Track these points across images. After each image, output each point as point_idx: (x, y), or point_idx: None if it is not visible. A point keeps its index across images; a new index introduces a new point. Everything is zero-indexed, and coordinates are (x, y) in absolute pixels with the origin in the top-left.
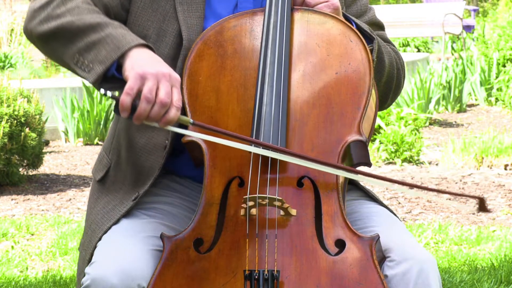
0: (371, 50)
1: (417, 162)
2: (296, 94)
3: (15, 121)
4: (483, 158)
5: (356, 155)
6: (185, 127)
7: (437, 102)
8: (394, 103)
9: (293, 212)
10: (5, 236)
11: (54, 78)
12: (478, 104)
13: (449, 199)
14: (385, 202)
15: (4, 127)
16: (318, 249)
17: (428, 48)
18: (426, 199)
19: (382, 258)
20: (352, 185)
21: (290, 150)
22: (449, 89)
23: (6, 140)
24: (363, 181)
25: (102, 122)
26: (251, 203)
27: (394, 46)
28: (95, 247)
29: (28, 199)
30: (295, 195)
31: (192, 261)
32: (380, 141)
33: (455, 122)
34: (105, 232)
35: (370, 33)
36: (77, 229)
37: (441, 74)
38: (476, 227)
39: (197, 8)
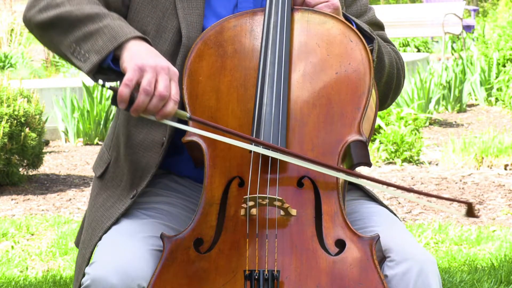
0: (371, 50)
1: (417, 162)
2: (296, 94)
3: (15, 121)
4: (483, 158)
5: (356, 155)
6: (184, 122)
7: (437, 102)
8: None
9: (293, 212)
10: (5, 236)
11: (54, 78)
12: (478, 104)
13: (436, 203)
14: (385, 202)
15: (4, 127)
16: (318, 249)
17: (428, 48)
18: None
19: (382, 258)
20: (352, 185)
21: (290, 151)
22: (449, 89)
23: (6, 140)
24: (363, 184)
25: (102, 122)
26: (251, 203)
27: (394, 46)
28: (95, 245)
29: (28, 199)
30: (295, 195)
31: (192, 261)
32: (380, 141)
33: (455, 122)
34: (105, 231)
35: (370, 33)
36: (77, 229)
37: (441, 74)
38: (476, 227)
39: (197, 6)
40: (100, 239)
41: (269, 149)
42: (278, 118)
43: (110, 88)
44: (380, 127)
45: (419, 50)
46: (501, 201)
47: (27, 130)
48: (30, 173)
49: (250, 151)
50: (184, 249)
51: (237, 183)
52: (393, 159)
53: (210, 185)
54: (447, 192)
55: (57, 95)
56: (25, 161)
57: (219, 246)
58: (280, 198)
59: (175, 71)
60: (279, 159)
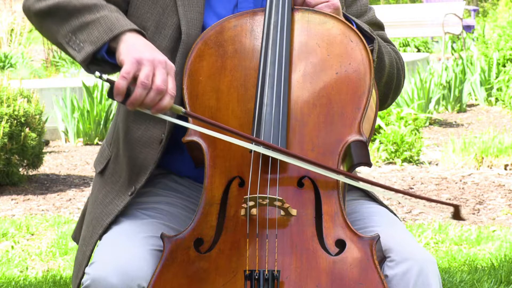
0: (372, 50)
1: (417, 162)
2: (296, 94)
3: (15, 121)
4: (483, 158)
5: (356, 155)
6: (184, 119)
7: (437, 102)
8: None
9: (294, 212)
10: (5, 236)
11: (54, 78)
12: (478, 104)
13: (425, 205)
14: (385, 202)
15: (4, 127)
16: (319, 249)
17: (428, 48)
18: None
19: (382, 258)
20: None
21: (291, 152)
22: (449, 89)
23: (6, 140)
24: (363, 187)
25: (102, 122)
26: (251, 203)
27: (394, 46)
28: (96, 243)
29: (28, 199)
30: (296, 195)
31: (192, 261)
32: (380, 141)
33: (455, 122)
34: (105, 229)
35: (370, 33)
36: None
37: (441, 74)
38: (476, 227)
39: (197, 4)
40: (99, 236)
41: (269, 149)
42: (278, 118)
43: (107, 80)
44: (380, 127)
45: (419, 50)
46: (501, 201)
47: (27, 130)
48: (30, 173)
49: (251, 151)
50: (184, 249)
51: (237, 183)
52: (393, 159)
53: (210, 185)
54: (447, 192)
55: (57, 95)
56: (25, 161)
57: (219, 246)
58: (281, 198)
59: (172, 65)
60: (279, 159)
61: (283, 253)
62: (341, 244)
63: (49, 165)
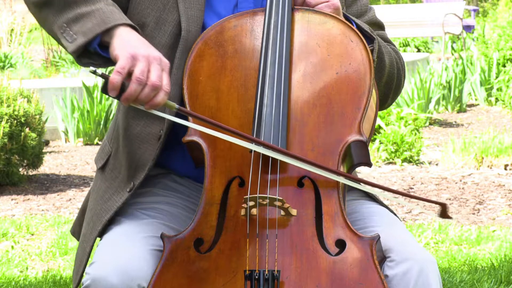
0: (372, 50)
1: (417, 162)
2: (296, 94)
3: (15, 121)
4: (483, 158)
5: (356, 155)
6: (184, 118)
7: (437, 102)
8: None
9: (294, 212)
10: (5, 236)
11: (54, 78)
12: (478, 104)
13: (417, 204)
14: (385, 202)
15: (4, 127)
16: (319, 249)
17: (428, 48)
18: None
19: (383, 258)
20: None
21: (291, 152)
22: (449, 89)
23: (6, 140)
24: (363, 189)
25: (102, 122)
26: (251, 203)
27: (394, 46)
28: (95, 239)
29: (28, 199)
30: (296, 195)
31: (192, 261)
32: (380, 141)
33: (455, 122)
34: (104, 226)
35: (371, 33)
36: None
37: (441, 74)
38: (476, 227)
39: (198, 1)
40: (99, 233)
41: (269, 149)
42: (278, 118)
43: (102, 75)
44: (380, 127)
45: (419, 50)
46: (501, 201)
47: (27, 130)
48: (30, 173)
49: (251, 151)
50: (184, 249)
51: (238, 183)
52: (393, 159)
53: (210, 185)
54: (447, 192)
55: (57, 95)
56: (25, 161)
57: (219, 246)
58: (281, 198)
59: (166, 62)
60: (280, 160)
61: (283, 253)
62: (341, 244)
63: (49, 165)
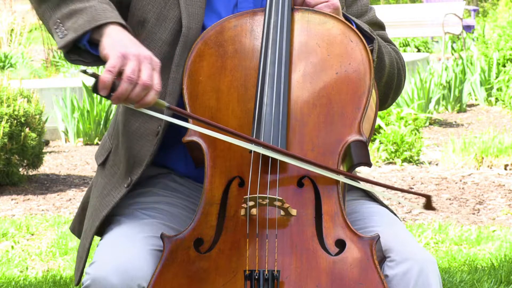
0: (371, 50)
1: (417, 162)
2: (296, 94)
3: (15, 121)
4: (483, 158)
5: (356, 155)
6: (185, 119)
7: (437, 102)
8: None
9: (294, 212)
10: (5, 236)
11: (54, 78)
12: (478, 104)
13: (401, 196)
14: (385, 202)
15: (4, 127)
16: (318, 249)
17: (428, 48)
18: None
19: (383, 258)
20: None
21: (290, 152)
22: (449, 89)
23: (6, 140)
24: (363, 187)
25: (102, 122)
26: (251, 203)
27: (395, 46)
28: (93, 236)
29: (28, 199)
30: (296, 195)
31: (192, 261)
32: (380, 141)
33: (455, 122)
34: (101, 220)
35: (370, 33)
36: None
37: (441, 74)
38: (476, 227)
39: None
40: (97, 229)
41: (268, 149)
42: (278, 118)
43: (92, 74)
44: (380, 127)
45: (419, 50)
46: (501, 201)
47: (27, 130)
48: (30, 173)
49: (250, 151)
50: (184, 249)
51: (237, 183)
52: (393, 159)
53: (210, 185)
54: (447, 192)
55: (57, 95)
56: (25, 161)
57: (219, 246)
58: (280, 198)
59: (157, 61)
60: (279, 160)
61: (283, 253)
62: (341, 244)
63: (49, 165)
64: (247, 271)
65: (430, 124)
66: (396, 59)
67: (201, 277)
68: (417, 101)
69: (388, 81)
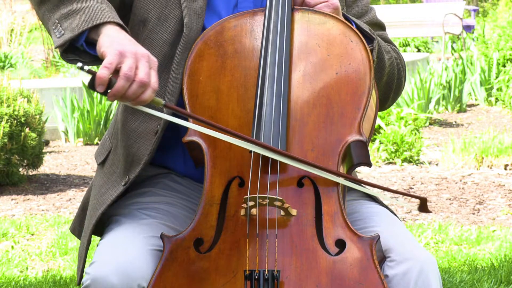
0: (371, 50)
1: (417, 162)
2: (296, 94)
3: (15, 121)
4: (483, 158)
5: (356, 155)
6: (184, 118)
7: (437, 102)
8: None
9: (294, 212)
10: (5, 236)
11: (54, 78)
12: (478, 104)
13: (395, 198)
14: (385, 202)
15: (4, 127)
16: (319, 249)
17: (428, 48)
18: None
19: (383, 258)
20: None
21: (290, 154)
22: (449, 89)
23: (6, 140)
24: (363, 190)
25: (102, 122)
26: (251, 203)
27: (395, 46)
28: (91, 233)
29: (28, 199)
30: (296, 195)
31: (192, 261)
32: (380, 141)
33: (455, 122)
34: (98, 218)
35: (370, 33)
36: None
37: (441, 74)
38: (476, 227)
39: None
40: (93, 226)
41: (267, 150)
42: (278, 118)
43: (88, 71)
44: (380, 127)
45: (419, 50)
46: (501, 201)
47: (27, 130)
48: (30, 173)
49: (250, 151)
50: (184, 249)
51: (237, 183)
52: (393, 159)
53: (210, 185)
54: (447, 192)
55: (57, 95)
56: (25, 161)
57: (219, 246)
58: (280, 198)
59: (154, 60)
60: (279, 160)
61: (283, 253)
62: (341, 244)
63: (49, 165)
64: (247, 271)
65: (430, 124)
66: (396, 60)
67: (201, 277)
68: (417, 101)
69: (388, 81)
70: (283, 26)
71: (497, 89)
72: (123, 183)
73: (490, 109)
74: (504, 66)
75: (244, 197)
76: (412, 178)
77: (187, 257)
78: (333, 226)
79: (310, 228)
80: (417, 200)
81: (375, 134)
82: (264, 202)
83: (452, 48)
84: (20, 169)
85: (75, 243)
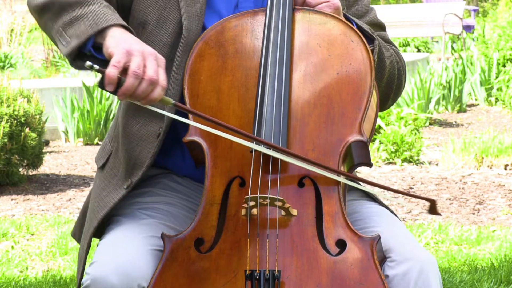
0: (372, 50)
1: (417, 162)
2: (297, 94)
3: (15, 121)
4: (483, 158)
5: (357, 156)
6: (185, 115)
7: (437, 102)
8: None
9: (294, 212)
10: (5, 236)
11: (54, 78)
12: (478, 104)
13: (407, 200)
14: (386, 202)
15: (4, 127)
16: (319, 249)
17: (428, 48)
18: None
19: (383, 258)
20: None
21: (291, 151)
22: (449, 89)
23: (6, 140)
24: (363, 189)
25: (102, 122)
26: (252, 203)
27: (395, 46)
28: (91, 236)
29: (28, 199)
30: (296, 195)
31: (192, 261)
32: (380, 141)
33: (455, 122)
34: (99, 221)
35: (371, 33)
36: None
37: (441, 74)
38: (476, 227)
39: (199, 0)
40: (95, 229)
41: (270, 148)
42: (279, 118)
43: (98, 70)
44: (380, 127)
45: (419, 50)
46: (501, 201)
47: (27, 130)
48: (30, 173)
49: (251, 151)
50: (185, 249)
51: (238, 183)
52: (393, 159)
53: (211, 185)
54: (447, 192)
55: (57, 95)
56: (25, 161)
57: (220, 246)
58: (281, 198)
59: (162, 58)
60: (280, 159)
61: (283, 253)
62: (341, 244)
63: (49, 165)
64: (247, 271)
65: (430, 124)
66: (396, 60)
67: (202, 277)
68: (417, 101)
69: (389, 81)
70: (284, 26)
71: (497, 89)
72: (125, 187)
73: (490, 109)
74: (504, 66)
75: (245, 197)
76: (412, 178)
77: (188, 257)
78: (333, 226)
79: (311, 228)
80: (418, 201)
81: (375, 134)
82: (265, 202)
83: (452, 48)
84: (20, 169)
85: (75, 243)
